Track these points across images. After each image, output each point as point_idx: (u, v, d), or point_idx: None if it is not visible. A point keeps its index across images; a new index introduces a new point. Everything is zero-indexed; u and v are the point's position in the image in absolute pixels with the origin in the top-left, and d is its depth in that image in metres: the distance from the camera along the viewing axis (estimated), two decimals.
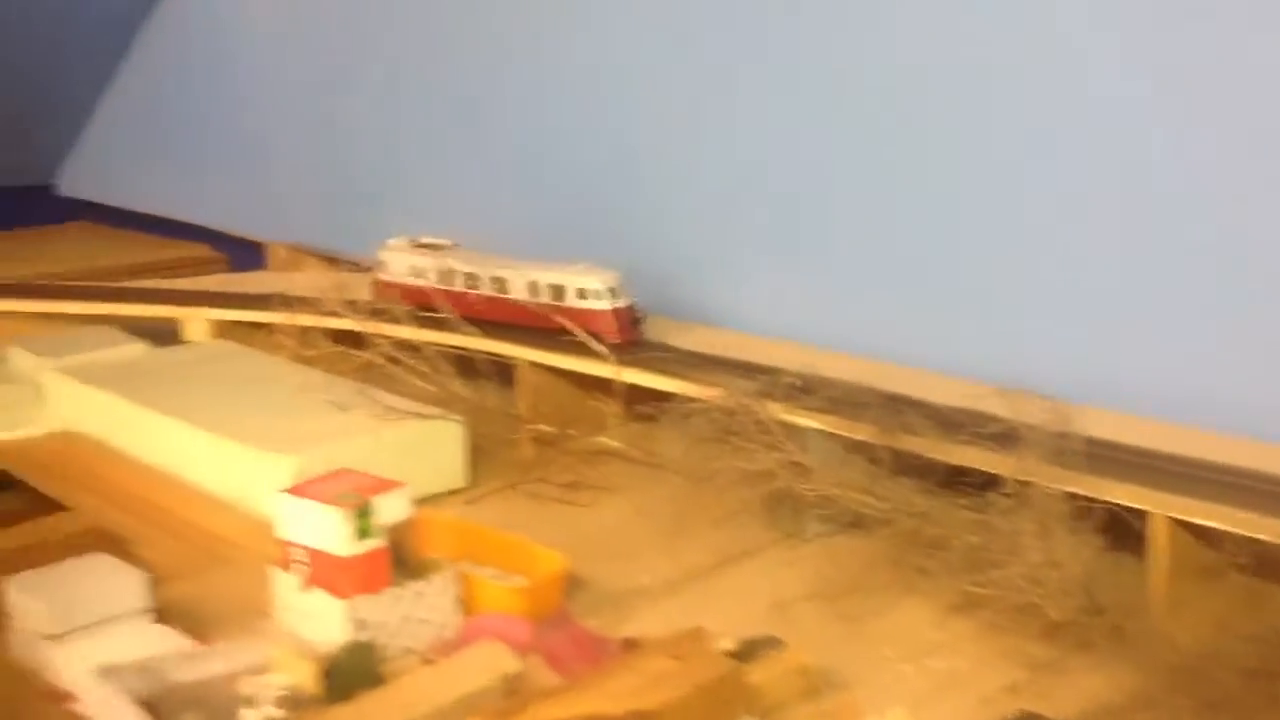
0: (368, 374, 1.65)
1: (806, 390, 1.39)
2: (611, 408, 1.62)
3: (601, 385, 1.61)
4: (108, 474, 1.57)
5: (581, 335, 1.61)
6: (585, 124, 1.92)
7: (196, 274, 2.68)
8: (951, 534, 1.23)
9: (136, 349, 1.79)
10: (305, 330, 1.72)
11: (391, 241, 1.85)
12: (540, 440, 1.62)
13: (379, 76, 2.24)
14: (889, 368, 1.50)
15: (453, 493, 1.52)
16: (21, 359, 1.75)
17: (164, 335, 1.90)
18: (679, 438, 1.43)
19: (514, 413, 1.64)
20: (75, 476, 1.58)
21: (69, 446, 1.65)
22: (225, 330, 1.90)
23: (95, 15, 2.61)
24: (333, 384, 1.59)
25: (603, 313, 1.64)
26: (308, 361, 1.70)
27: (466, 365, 1.64)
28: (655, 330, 1.67)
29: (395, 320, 1.65)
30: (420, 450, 1.50)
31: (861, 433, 1.33)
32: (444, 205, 2.16)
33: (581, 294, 1.65)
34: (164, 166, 2.77)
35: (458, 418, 1.54)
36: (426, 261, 1.79)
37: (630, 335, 1.63)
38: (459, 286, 1.75)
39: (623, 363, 1.57)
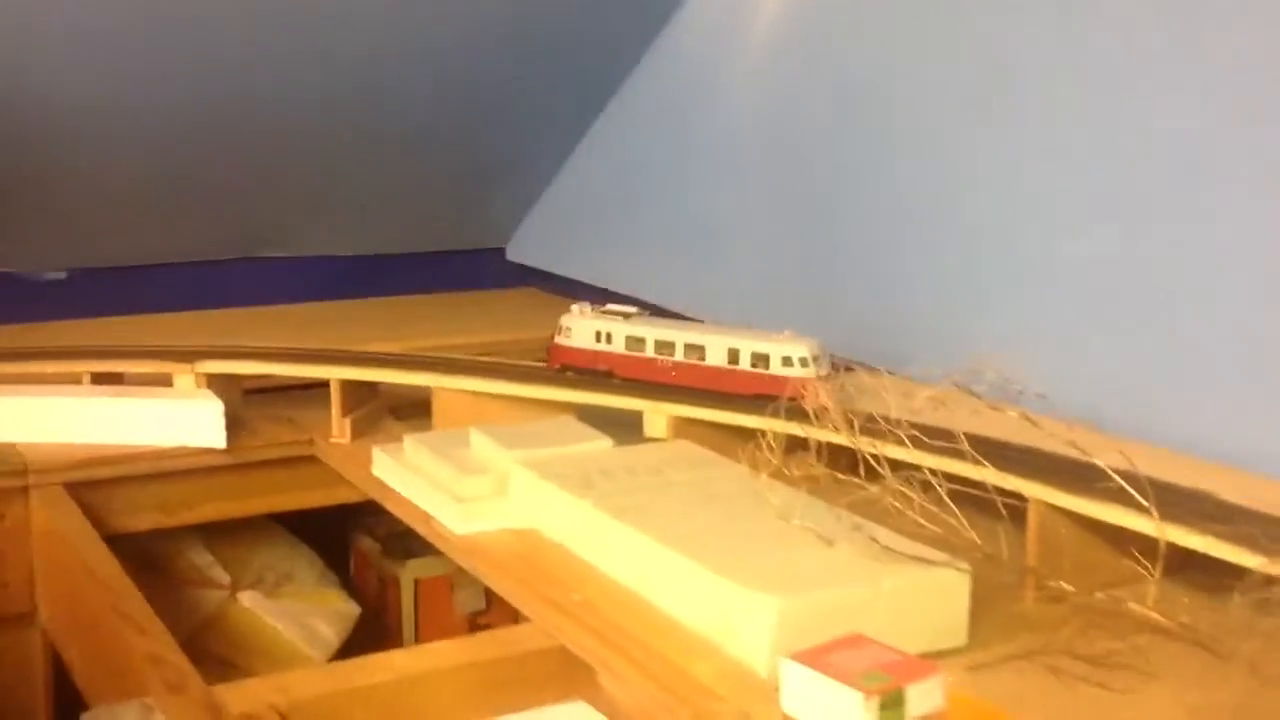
0: (845, 495, 1.46)
1: None
2: (1147, 565, 1.35)
3: (1136, 535, 1.36)
4: (569, 584, 1.45)
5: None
6: None
7: None
8: None
9: (600, 445, 1.68)
10: (780, 439, 1.54)
11: (574, 308, 1.85)
12: (1051, 596, 1.38)
13: (865, 174, 2.07)
14: None
15: (950, 653, 1.30)
16: (485, 448, 1.67)
17: (617, 422, 1.78)
18: (1252, 620, 1.16)
19: (1018, 559, 1.41)
20: (534, 582, 1.47)
21: (530, 548, 1.54)
22: (683, 427, 1.76)
23: (567, 90, 2.59)
24: (815, 509, 1.41)
25: (807, 381, 1.67)
26: (785, 479, 1.53)
27: (957, 497, 1.43)
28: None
29: (898, 441, 1.45)
30: (919, 601, 1.29)
31: None
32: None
33: (787, 361, 1.68)
34: (611, 238, 2.72)
35: (964, 566, 1.32)
36: (614, 327, 1.81)
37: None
38: (649, 353, 1.78)
39: (1166, 517, 1.31)
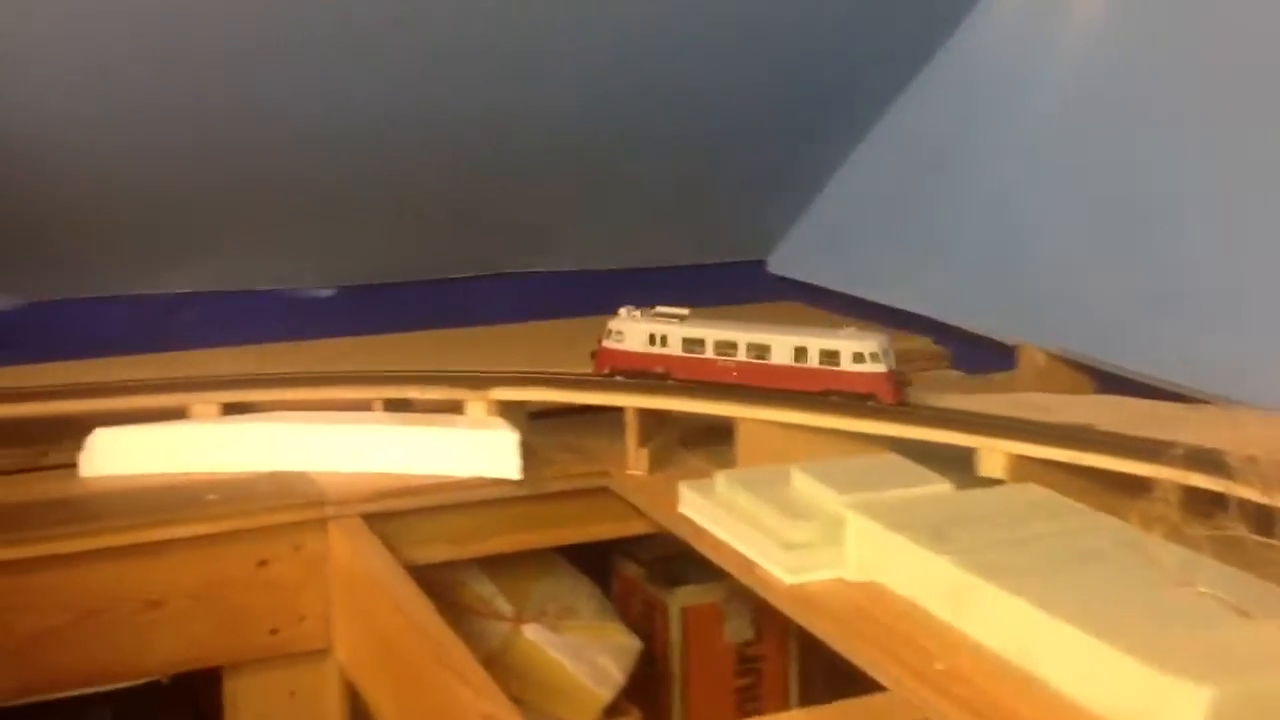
0: (1240, 556, 1.28)
1: None
2: None
3: None
4: (928, 649, 1.31)
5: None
6: None
7: (915, 369, 2.45)
8: None
9: (940, 489, 1.54)
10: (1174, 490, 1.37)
11: (621, 311, 1.86)
12: None
13: (1210, 179, 1.87)
14: None
15: None
16: (812, 489, 1.55)
17: (928, 456, 1.64)
18: None
19: None
20: (886, 644, 1.34)
21: (873, 603, 1.41)
22: (1022, 467, 1.60)
23: (850, 92, 2.45)
24: (1218, 573, 1.25)
25: (879, 376, 1.72)
26: (1181, 536, 1.36)
27: None
28: None
29: None
30: None
31: None
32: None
33: (858, 357, 1.72)
34: (887, 249, 2.56)
35: None
36: (669, 328, 1.81)
37: (901, 398, 1.74)
38: (709, 354, 1.79)
39: None
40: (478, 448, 1.79)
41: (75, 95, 1.94)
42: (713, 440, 1.90)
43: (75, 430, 1.84)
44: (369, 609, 1.68)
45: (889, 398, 1.73)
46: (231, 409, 1.90)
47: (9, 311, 2.28)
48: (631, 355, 1.84)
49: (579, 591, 2.13)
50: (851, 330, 1.78)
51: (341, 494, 1.76)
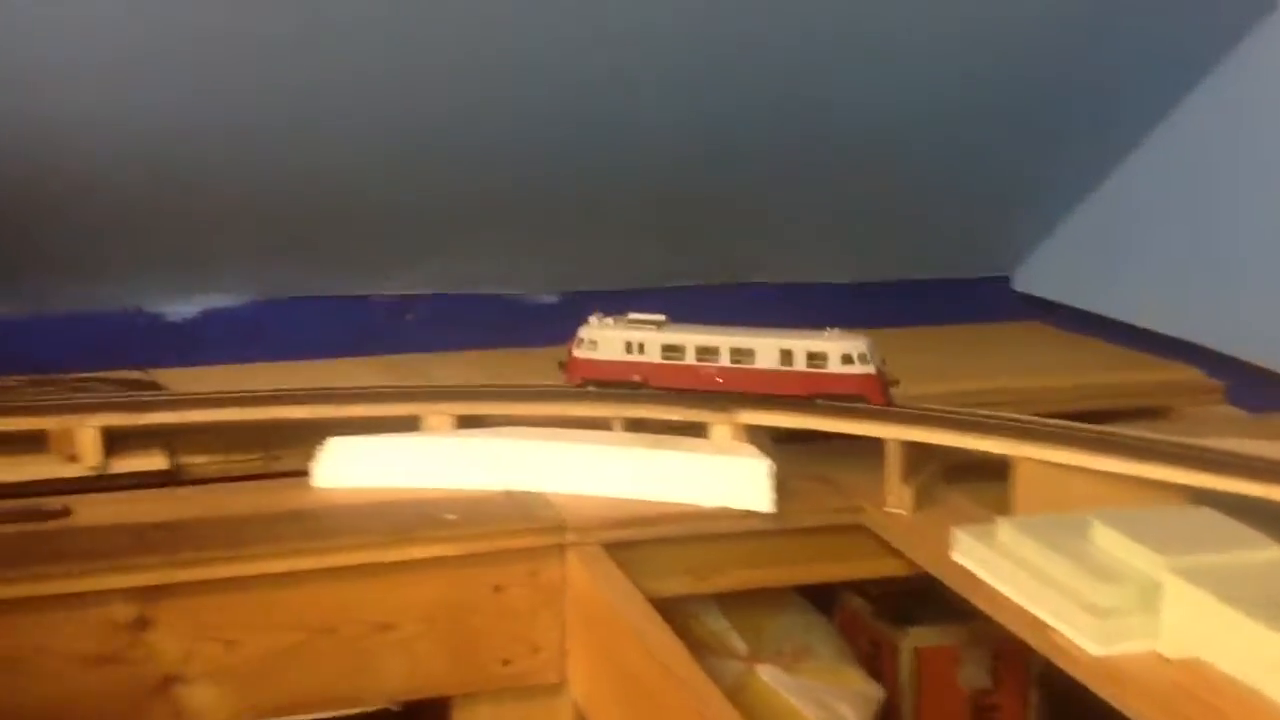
0: None
1: None
2: None
3: None
4: None
5: None
6: None
7: (1183, 404, 2.24)
8: None
9: (1271, 554, 1.35)
10: None
11: (592, 319, 1.80)
12: None
13: None
14: None
15: None
16: (1118, 544, 1.37)
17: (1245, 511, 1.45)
18: None
19: None
20: None
21: (1199, 684, 1.24)
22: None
23: (1121, 102, 2.25)
24: None
25: (868, 377, 1.69)
26: None
27: None
28: None
29: None
30: None
31: None
32: None
33: (847, 359, 1.70)
34: (1151, 268, 2.35)
35: None
36: (647, 335, 1.76)
37: (888, 399, 1.71)
38: (689, 361, 1.74)
39: None
40: (728, 476, 1.66)
41: (344, 114, 1.93)
42: (971, 476, 1.75)
43: (306, 434, 1.78)
44: (609, 643, 1.57)
45: (878, 399, 1.70)
46: (465, 421, 1.81)
47: (239, 308, 2.26)
48: (606, 365, 1.78)
49: (815, 631, 1.99)
50: (835, 331, 1.74)
51: (582, 519, 1.65)
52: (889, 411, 1.71)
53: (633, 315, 1.80)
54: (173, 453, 1.80)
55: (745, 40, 1.97)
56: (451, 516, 1.63)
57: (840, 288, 2.57)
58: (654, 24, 1.89)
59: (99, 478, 1.74)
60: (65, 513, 1.62)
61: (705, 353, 1.74)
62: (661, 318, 1.80)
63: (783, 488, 1.71)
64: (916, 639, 2.19)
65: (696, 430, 1.78)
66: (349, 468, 1.71)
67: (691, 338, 1.75)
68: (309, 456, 1.76)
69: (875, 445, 1.71)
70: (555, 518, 1.65)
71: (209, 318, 2.25)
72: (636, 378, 1.77)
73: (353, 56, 1.83)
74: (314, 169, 2.02)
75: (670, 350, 1.75)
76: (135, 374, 2.12)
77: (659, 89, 2.04)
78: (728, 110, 2.12)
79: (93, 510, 1.64)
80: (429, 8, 1.78)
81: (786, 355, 1.71)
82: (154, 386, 2.07)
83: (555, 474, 1.70)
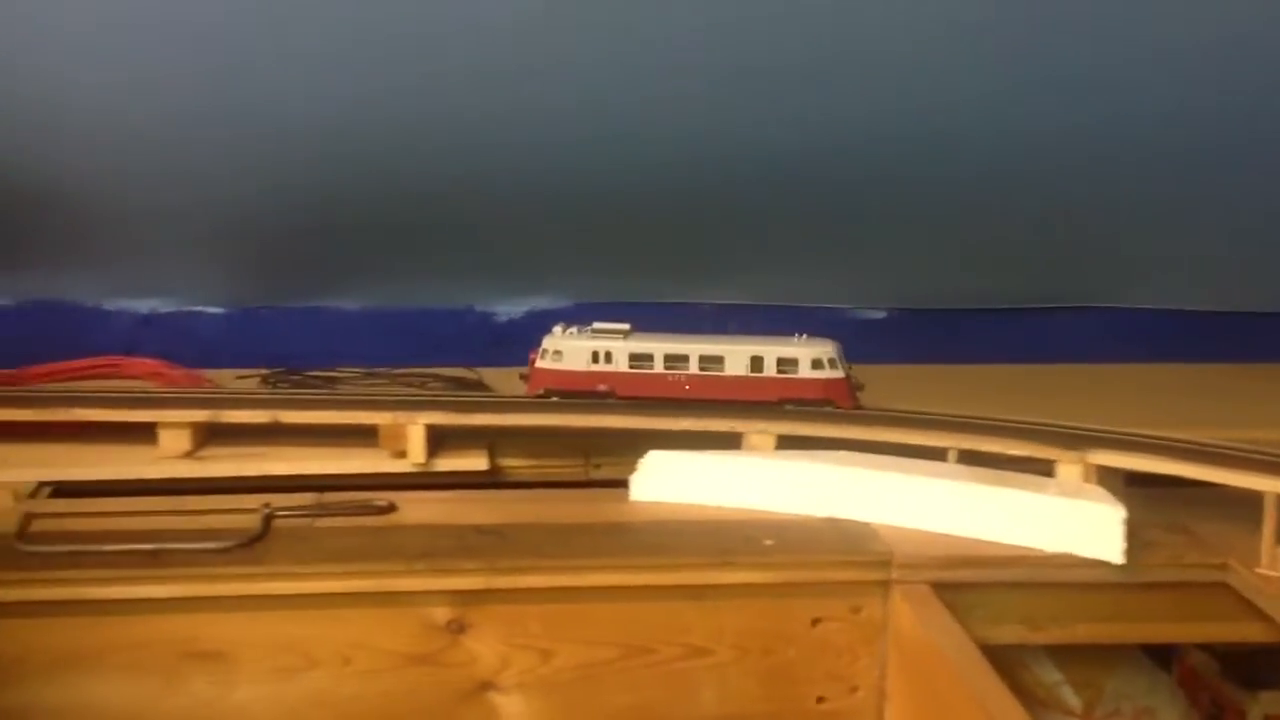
0: None
1: None
2: None
3: None
4: None
5: None
6: None
7: None
8: None
9: None
10: None
11: (556, 329, 1.78)
12: None
13: None
14: None
15: None
16: None
17: None
18: None
19: None
20: None
21: None
22: None
23: None
24: None
25: (837, 381, 1.73)
26: None
27: None
28: None
29: None
30: None
31: None
32: None
33: (817, 364, 1.72)
34: None
35: None
36: (614, 344, 1.75)
37: (855, 403, 1.74)
38: (658, 369, 1.73)
39: None
40: (1076, 521, 1.52)
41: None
42: None
43: (625, 444, 1.75)
44: (933, 689, 1.46)
45: (846, 403, 1.73)
46: (787, 441, 1.73)
47: (561, 310, 2.26)
48: (571, 375, 1.76)
49: (1159, 692, 1.81)
50: (802, 338, 1.77)
51: (910, 556, 1.54)
52: (1270, 459, 1.52)
53: (597, 325, 1.79)
54: (493, 454, 1.81)
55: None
56: (769, 541, 1.56)
57: (1198, 316, 2.36)
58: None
59: (421, 474, 1.76)
60: (391, 509, 1.64)
61: (674, 360, 1.74)
62: (626, 326, 1.78)
63: (1134, 537, 1.55)
64: (1268, 705, 1.97)
65: (1039, 466, 1.65)
66: (669, 483, 1.67)
67: (659, 346, 1.75)
68: (627, 467, 1.72)
69: (1239, 494, 1.54)
70: (882, 551, 1.55)
71: (533, 318, 2.26)
72: (603, 387, 1.76)
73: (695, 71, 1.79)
74: (644, 187, 2.00)
75: (638, 359, 1.75)
76: (464, 372, 2.15)
77: (1023, 106, 1.90)
78: (1091, 123, 1.97)
79: (417, 509, 1.65)
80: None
81: (757, 362, 1.73)
82: (480, 385, 2.10)
83: (884, 505, 1.60)
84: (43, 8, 1.60)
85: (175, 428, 1.72)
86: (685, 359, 1.75)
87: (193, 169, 1.88)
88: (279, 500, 1.63)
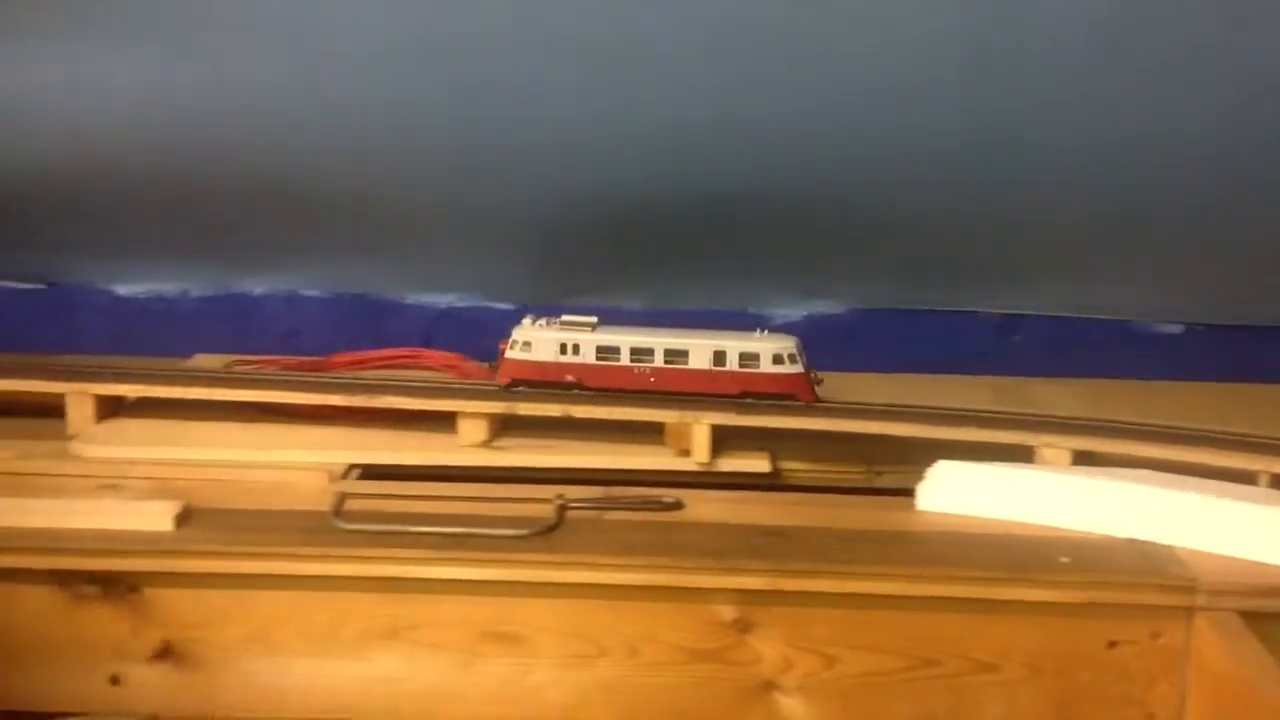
0: None
1: None
2: None
3: None
4: None
5: None
6: None
7: None
8: None
9: None
10: None
11: (525, 321, 1.81)
12: None
13: None
14: None
15: None
16: None
17: None
18: None
19: None
20: None
21: None
22: None
23: None
24: None
25: (797, 376, 1.76)
26: None
27: None
28: None
29: None
30: None
31: None
32: None
33: (778, 359, 1.76)
34: None
35: None
36: (581, 336, 1.78)
37: (815, 397, 1.77)
38: (624, 361, 1.77)
39: None
40: None
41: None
42: None
43: (910, 452, 1.74)
44: None
45: (806, 396, 1.76)
46: (1081, 458, 1.68)
47: (842, 315, 2.26)
48: (539, 366, 1.80)
49: None
50: (764, 333, 1.80)
51: (1217, 582, 1.47)
52: None
53: (565, 317, 1.82)
54: (774, 456, 1.82)
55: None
56: (1065, 559, 1.51)
57: None
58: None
59: (703, 473, 1.78)
60: (678, 506, 1.67)
61: (639, 354, 1.77)
62: (594, 319, 1.82)
63: None
64: None
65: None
66: (958, 494, 1.64)
67: (626, 339, 1.79)
68: (911, 475, 1.70)
69: None
70: (1186, 576, 1.48)
71: (813, 323, 2.26)
72: (570, 378, 1.79)
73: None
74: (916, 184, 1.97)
75: (605, 351, 1.78)
76: None
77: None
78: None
79: (703, 507, 1.67)
80: None
81: (719, 356, 1.76)
82: None
83: (1189, 528, 1.53)
84: (328, 34, 1.71)
85: (474, 418, 1.80)
86: (651, 352, 1.79)
87: (504, 171, 1.97)
88: (570, 492, 1.67)
